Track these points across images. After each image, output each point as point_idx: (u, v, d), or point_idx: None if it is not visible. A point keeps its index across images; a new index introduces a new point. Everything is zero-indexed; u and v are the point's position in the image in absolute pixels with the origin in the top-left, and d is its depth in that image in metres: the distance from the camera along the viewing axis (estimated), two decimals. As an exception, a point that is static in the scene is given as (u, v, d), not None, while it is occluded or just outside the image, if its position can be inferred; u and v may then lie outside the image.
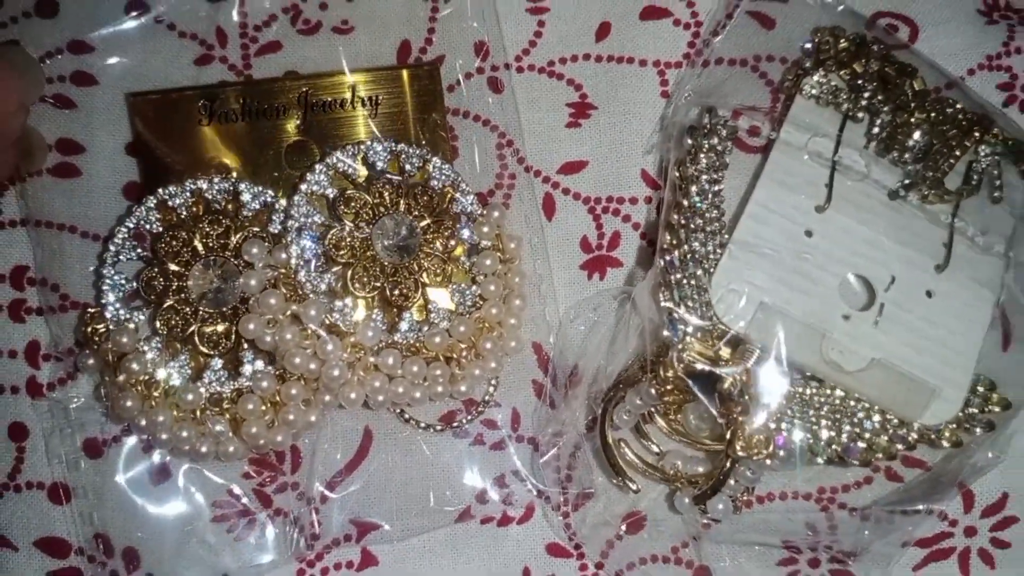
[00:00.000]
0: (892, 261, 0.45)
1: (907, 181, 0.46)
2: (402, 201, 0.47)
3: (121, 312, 0.46)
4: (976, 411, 0.44)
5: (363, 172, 0.47)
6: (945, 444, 0.43)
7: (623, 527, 0.47)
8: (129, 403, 0.44)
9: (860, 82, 0.46)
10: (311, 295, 0.45)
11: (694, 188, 0.45)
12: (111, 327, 0.45)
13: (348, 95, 0.49)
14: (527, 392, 0.50)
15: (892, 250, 0.45)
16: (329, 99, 0.49)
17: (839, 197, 0.46)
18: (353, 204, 0.46)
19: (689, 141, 0.46)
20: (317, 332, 0.45)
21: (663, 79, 0.51)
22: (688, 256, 0.44)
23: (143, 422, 0.45)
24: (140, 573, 0.47)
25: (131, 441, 0.47)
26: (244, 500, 0.47)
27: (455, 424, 0.49)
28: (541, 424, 0.48)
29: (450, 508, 0.48)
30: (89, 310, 0.46)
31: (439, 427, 0.49)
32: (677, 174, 0.45)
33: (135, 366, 0.44)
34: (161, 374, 0.45)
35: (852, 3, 0.50)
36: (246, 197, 0.47)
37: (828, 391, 0.44)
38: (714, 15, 0.50)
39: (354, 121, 0.49)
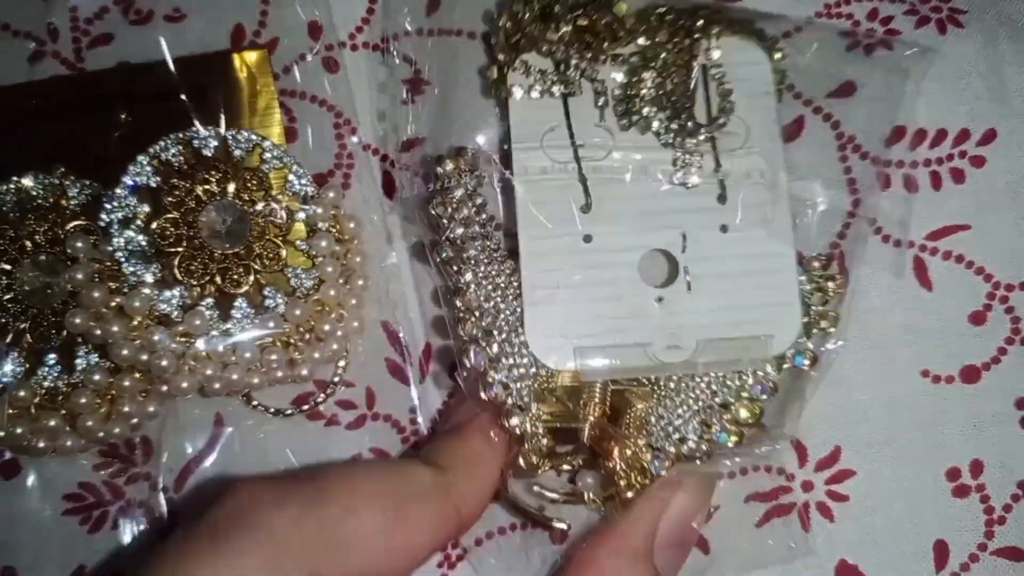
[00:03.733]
0: (677, 219, 0.44)
1: (662, 130, 0.44)
2: (231, 186, 0.47)
3: (-47, 313, 0.46)
4: (820, 307, 0.43)
5: (190, 159, 0.47)
6: (806, 363, 0.42)
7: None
8: (-37, 403, 0.44)
9: (560, 52, 0.44)
10: (137, 286, 0.45)
11: (464, 257, 0.43)
12: (-56, 328, 0.45)
13: (175, 84, 0.49)
14: (381, 370, 0.50)
15: (673, 208, 0.44)
16: (157, 89, 0.49)
17: (598, 184, 0.44)
18: (178, 192, 0.46)
19: (434, 212, 0.44)
20: (145, 323, 0.45)
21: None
22: (492, 337, 0.42)
23: (-23, 421, 0.45)
24: (-1, 568, 0.47)
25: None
26: (96, 492, 0.48)
27: (305, 407, 0.49)
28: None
29: (304, 490, 0.48)
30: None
31: (289, 411, 0.49)
32: (439, 258, 0.44)
33: (-33, 366, 0.45)
34: (-6, 373, 0.45)
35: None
36: (72, 192, 0.47)
37: (683, 386, 0.43)
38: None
39: (183, 109, 0.48)
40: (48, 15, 0.51)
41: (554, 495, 0.44)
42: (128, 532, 0.47)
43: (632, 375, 0.43)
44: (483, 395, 0.42)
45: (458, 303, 0.43)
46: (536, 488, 0.44)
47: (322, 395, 0.49)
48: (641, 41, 0.45)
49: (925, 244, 0.48)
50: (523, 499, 0.44)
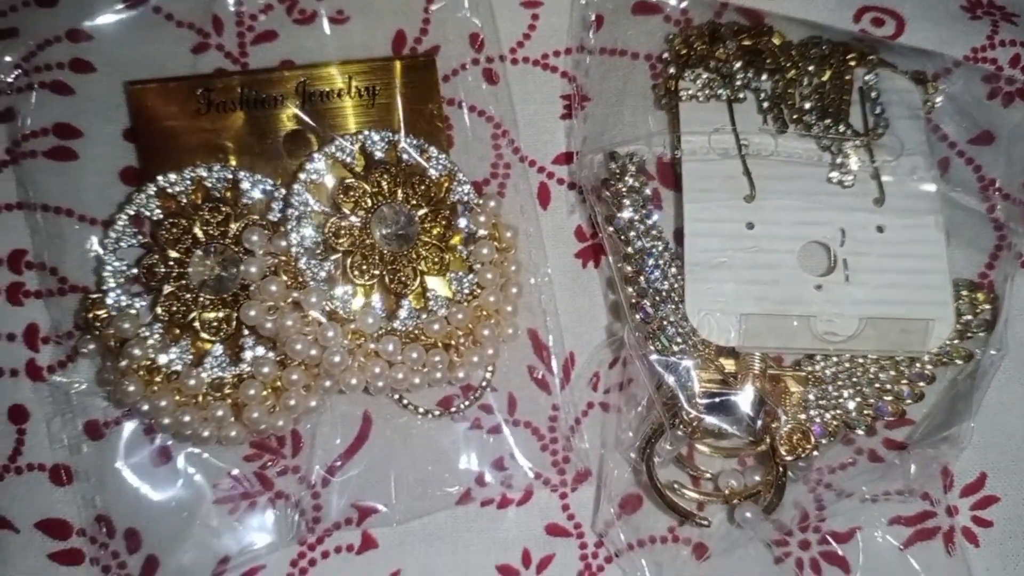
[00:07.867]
0: (835, 216, 0.47)
1: (825, 137, 0.47)
2: (400, 190, 0.48)
3: (122, 298, 0.46)
4: (970, 317, 0.46)
5: (361, 161, 0.48)
6: (958, 361, 0.45)
7: (620, 508, 0.48)
8: (132, 388, 0.45)
9: (726, 68, 0.48)
10: (311, 282, 0.46)
11: (632, 234, 0.47)
12: (112, 313, 0.46)
13: (344, 85, 0.50)
14: (523, 377, 0.51)
15: (831, 205, 0.47)
16: (326, 89, 0.49)
17: (760, 179, 0.47)
18: (352, 193, 0.47)
19: (607, 193, 0.47)
20: (318, 319, 0.45)
21: (654, 72, 0.52)
22: (657, 299, 0.46)
23: (145, 407, 0.45)
24: (141, 554, 0.47)
25: (132, 424, 0.48)
26: (245, 483, 0.48)
27: (453, 409, 0.50)
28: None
29: (450, 491, 0.49)
30: (90, 296, 0.46)
31: (437, 412, 0.50)
32: (611, 228, 0.47)
33: (137, 352, 0.45)
34: (163, 359, 0.46)
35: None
36: (245, 185, 0.48)
37: (836, 362, 0.46)
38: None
39: (350, 111, 0.50)
40: (212, 8, 0.52)
41: (695, 494, 0.47)
42: (275, 522, 0.48)
43: (791, 350, 0.46)
44: (650, 346, 0.45)
45: (628, 268, 0.46)
46: (677, 487, 0.47)
47: (469, 398, 0.50)
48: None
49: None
50: (667, 490, 0.46)
